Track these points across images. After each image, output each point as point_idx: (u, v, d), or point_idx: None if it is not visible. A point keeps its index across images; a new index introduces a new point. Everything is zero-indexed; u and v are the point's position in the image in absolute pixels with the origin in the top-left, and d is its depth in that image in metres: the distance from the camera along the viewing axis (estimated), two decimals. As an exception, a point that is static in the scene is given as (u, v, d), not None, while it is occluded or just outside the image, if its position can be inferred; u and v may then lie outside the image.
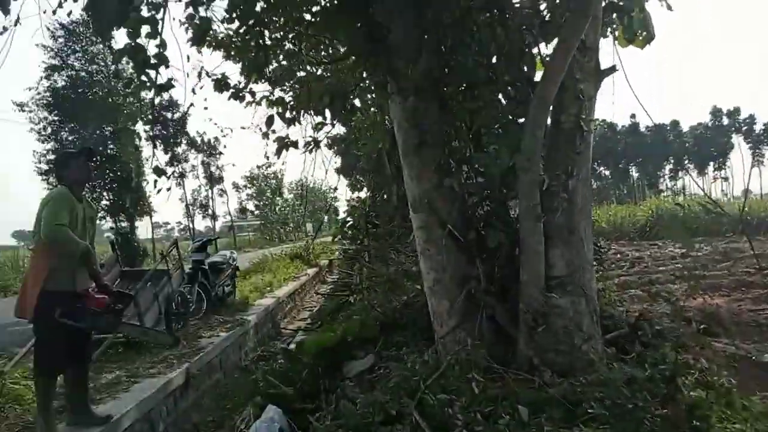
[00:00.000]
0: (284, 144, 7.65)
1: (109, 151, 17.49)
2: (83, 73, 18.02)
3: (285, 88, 6.12)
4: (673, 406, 2.70)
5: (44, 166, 17.94)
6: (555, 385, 3.00)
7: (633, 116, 67.23)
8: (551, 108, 3.86)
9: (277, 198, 39.23)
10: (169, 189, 4.99)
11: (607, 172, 73.26)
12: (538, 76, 4.07)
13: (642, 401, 2.59)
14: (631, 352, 3.50)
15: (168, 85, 3.73)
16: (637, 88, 4.23)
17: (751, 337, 5.16)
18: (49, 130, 18.33)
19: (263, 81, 5.60)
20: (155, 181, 4.17)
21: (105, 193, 18.48)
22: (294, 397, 4.55)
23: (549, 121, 3.95)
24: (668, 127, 68.22)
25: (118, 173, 18.06)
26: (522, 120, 4.05)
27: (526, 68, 4.23)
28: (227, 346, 7.56)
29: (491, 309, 3.84)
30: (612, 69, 4.12)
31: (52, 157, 17.08)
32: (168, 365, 6.13)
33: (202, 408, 6.02)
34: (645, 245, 13.71)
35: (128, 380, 5.51)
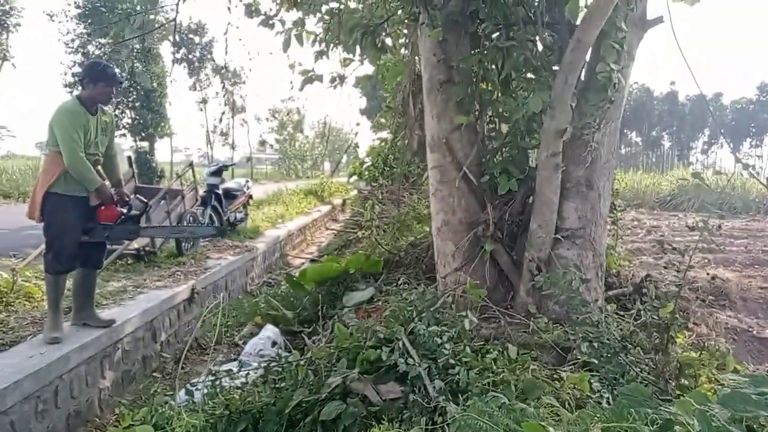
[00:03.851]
0: (309, 78, 7.51)
1: (134, 68, 17.38)
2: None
3: (315, 18, 5.91)
4: (663, 359, 2.70)
5: (70, 78, 17.95)
6: (549, 331, 3.00)
7: (672, 83, 64.74)
8: (588, 56, 3.67)
9: (298, 134, 39.06)
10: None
11: (638, 139, 70.69)
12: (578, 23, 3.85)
13: (632, 349, 2.59)
14: (631, 310, 3.48)
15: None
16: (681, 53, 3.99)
17: (756, 313, 5.13)
18: (77, 42, 18.22)
19: (295, 8, 5.40)
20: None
21: (127, 111, 18.52)
22: (293, 320, 4.66)
23: (584, 69, 3.78)
24: (709, 98, 65.16)
25: (141, 92, 18.02)
26: (556, 67, 3.88)
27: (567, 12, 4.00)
28: (234, 269, 7.68)
29: (496, 254, 3.81)
30: (658, 20, 3.89)
31: (77, 69, 17.03)
32: (175, 280, 6.25)
33: (204, 323, 6.16)
34: (665, 215, 13.49)
35: (135, 290, 5.62)
